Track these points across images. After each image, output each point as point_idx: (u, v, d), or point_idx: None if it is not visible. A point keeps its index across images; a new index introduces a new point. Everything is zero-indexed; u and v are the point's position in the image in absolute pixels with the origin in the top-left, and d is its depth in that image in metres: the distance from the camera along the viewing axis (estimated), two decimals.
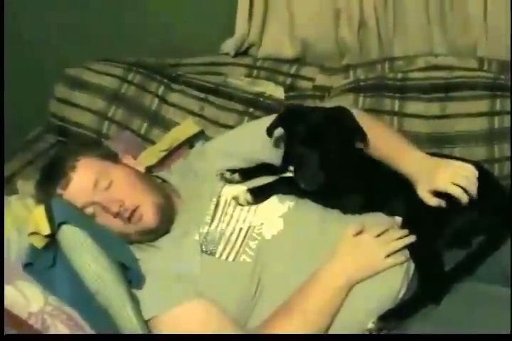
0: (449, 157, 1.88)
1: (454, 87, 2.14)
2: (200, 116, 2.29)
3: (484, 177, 1.75)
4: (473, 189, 1.60)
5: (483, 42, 2.25)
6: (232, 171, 1.73)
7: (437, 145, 2.10)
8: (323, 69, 2.38)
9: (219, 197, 1.70)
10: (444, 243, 1.62)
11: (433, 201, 1.62)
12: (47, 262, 1.57)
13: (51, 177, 1.68)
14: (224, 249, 1.62)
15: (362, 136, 1.64)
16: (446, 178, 1.61)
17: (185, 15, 2.52)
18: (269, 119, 1.84)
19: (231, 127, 2.14)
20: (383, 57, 2.35)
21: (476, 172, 1.62)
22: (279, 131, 1.69)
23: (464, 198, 1.60)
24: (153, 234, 1.67)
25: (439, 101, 2.14)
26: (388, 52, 2.35)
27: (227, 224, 1.65)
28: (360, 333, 1.52)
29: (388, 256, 1.58)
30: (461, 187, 1.59)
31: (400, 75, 2.23)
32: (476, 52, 2.26)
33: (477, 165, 1.84)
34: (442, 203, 1.62)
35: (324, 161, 1.59)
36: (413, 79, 2.21)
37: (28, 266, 1.57)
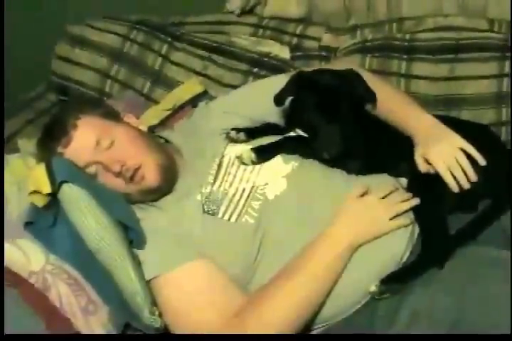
0: (457, 120, 1.88)
1: (463, 48, 2.12)
2: (204, 75, 2.26)
3: (491, 140, 1.75)
4: (460, 174, 1.58)
5: (494, 2, 2.21)
6: (238, 130, 1.70)
7: (445, 108, 2.09)
8: (329, 29, 2.36)
9: (222, 156, 1.68)
10: (449, 206, 1.61)
11: (423, 167, 1.61)
12: (48, 221, 1.56)
13: (52, 136, 1.66)
14: (226, 209, 1.60)
15: (372, 97, 1.61)
16: (440, 154, 1.59)
17: None
18: (274, 79, 1.83)
19: (235, 87, 2.11)
20: (391, 18, 2.31)
21: (479, 157, 1.59)
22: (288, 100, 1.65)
23: (450, 182, 1.58)
24: (155, 194, 1.66)
25: (448, 63, 2.12)
26: (396, 12, 2.32)
27: (230, 184, 1.64)
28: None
29: (393, 218, 1.57)
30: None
31: (408, 36, 2.20)
32: (486, 13, 2.22)
33: (484, 127, 1.83)
34: (431, 170, 1.60)
35: (342, 128, 1.56)
36: (421, 40, 2.18)
37: (28, 224, 1.56)
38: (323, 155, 1.60)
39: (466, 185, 1.58)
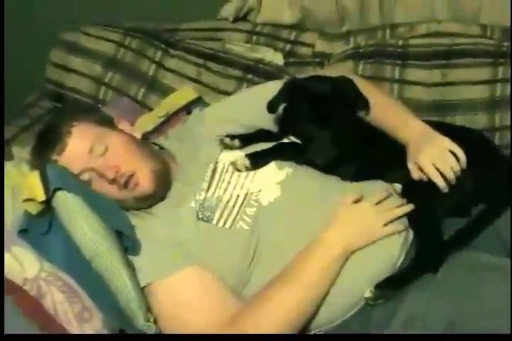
0: (451, 126, 1.88)
1: (456, 54, 2.13)
2: (198, 82, 2.27)
3: (485, 146, 1.75)
4: (449, 174, 1.59)
5: (487, 8, 2.22)
6: (232, 137, 1.71)
7: (438, 113, 2.09)
8: (323, 35, 2.36)
9: (216, 163, 1.69)
10: (444, 211, 1.62)
11: (415, 174, 1.62)
12: (42, 228, 1.56)
13: (46, 143, 1.66)
14: (221, 215, 1.60)
15: (364, 104, 1.62)
16: (429, 157, 1.59)
17: None
18: (267, 85, 1.83)
19: (229, 93, 2.13)
20: (384, 24, 2.32)
21: (463, 159, 1.60)
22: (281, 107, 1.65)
23: (440, 183, 1.59)
24: (149, 201, 1.66)
25: (441, 69, 2.13)
26: (389, 18, 2.33)
27: (225, 191, 1.64)
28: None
29: (387, 224, 1.57)
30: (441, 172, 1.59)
31: (401, 42, 2.21)
32: (479, 19, 2.23)
33: (478, 133, 1.84)
34: (424, 177, 1.61)
35: (334, 135, 1.57)
36: (414, 46, 2.19)
37: (22, 232, 1.56)
38: (316, 161, 1.60)
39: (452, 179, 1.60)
